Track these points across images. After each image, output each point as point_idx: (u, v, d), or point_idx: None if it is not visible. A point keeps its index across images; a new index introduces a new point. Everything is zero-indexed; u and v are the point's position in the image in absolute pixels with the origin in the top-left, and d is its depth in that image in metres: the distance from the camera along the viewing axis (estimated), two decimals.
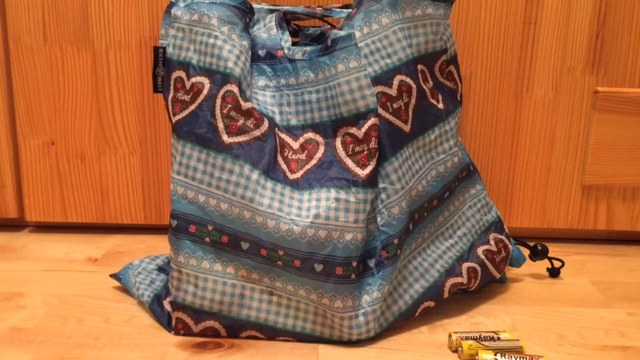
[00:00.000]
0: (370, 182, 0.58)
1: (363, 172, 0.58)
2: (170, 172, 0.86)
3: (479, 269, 0.66)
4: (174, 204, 0.60)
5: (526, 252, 0.84)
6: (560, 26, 0.80)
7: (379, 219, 0.60)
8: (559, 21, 0.80)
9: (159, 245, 0.86)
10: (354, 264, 0.57)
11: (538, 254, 0.76)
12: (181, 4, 0.61)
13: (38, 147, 0.85)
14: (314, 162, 0.60)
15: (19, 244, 0.85)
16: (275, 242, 0.58)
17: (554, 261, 0.78)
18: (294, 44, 0.66)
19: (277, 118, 0.62)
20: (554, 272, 0.77)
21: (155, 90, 0.63)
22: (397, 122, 0.60)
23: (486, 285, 0.71)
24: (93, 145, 0.85)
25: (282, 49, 0.63)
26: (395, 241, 0.60)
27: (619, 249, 0.87)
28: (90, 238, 0.88)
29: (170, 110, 0.62)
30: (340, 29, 0.61)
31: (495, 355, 0.55)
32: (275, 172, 0.59)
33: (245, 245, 0.59)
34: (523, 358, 0.55)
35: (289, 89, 0.62)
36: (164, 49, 0.62)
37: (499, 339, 0.59)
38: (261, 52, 0.63)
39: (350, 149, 0.59)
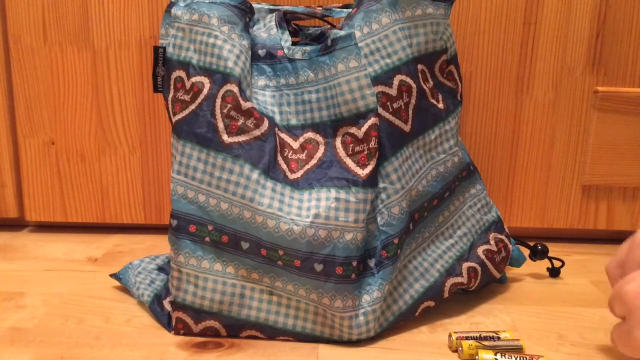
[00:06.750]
0: (370, 181, 0.58)
1: (363, 172, 0.58)
2: (170, 171, 0.86)
3: (479, 268, 0.66)
4: (174, 204, 0.60)
5: (526, 252, 0.84)
6: (560, 26, 0.80)
7: (379, 218, 0.60)
8: (559, 21, 0.80)
9: (159, 245, 0.86)
10: (354, 263, 0.57)
11: (538, 253, 0.76)
12: (181, 4, 0.61)
13: (38, 147, 0.85)
14: (314, 161, 0.60)
15: (19, 244, 0.85)
16: (275, 241, 0.58)
17: (554, 261, 0.78)
18: (294, 43, 0.66)
19: (277, 118, 0.62)
20: (554, 272, 0.77)
21: (155, 90, 0.63)
22: (397, 121, 0.60)
23: (486, 285, 0.71)
24: (93, 145, 0.85)
25: (282, 48, 0.63)
26: (396, 241, 0.60)
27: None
28: (90, 238, 0.88)
29: (170, 110, 0.62)
30: (340, 29, 0.61)
31: (495, 355, 0.55)
32: (275, 171, 0.59)
33: (245, 245, 0.59)
34: (523, 358, 0.55)
35: (288, 89, 0.62)
36: (164, 48, 0.62)
37: (499, 338, 0.59)
38: (261, 52, 0.63)
39: (350, 148, 0.59)
